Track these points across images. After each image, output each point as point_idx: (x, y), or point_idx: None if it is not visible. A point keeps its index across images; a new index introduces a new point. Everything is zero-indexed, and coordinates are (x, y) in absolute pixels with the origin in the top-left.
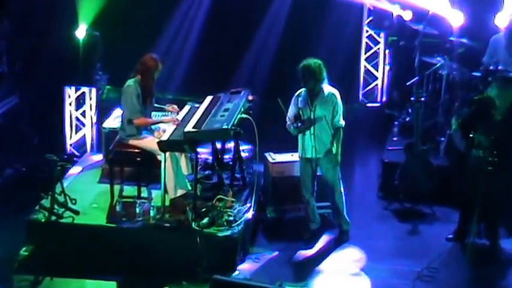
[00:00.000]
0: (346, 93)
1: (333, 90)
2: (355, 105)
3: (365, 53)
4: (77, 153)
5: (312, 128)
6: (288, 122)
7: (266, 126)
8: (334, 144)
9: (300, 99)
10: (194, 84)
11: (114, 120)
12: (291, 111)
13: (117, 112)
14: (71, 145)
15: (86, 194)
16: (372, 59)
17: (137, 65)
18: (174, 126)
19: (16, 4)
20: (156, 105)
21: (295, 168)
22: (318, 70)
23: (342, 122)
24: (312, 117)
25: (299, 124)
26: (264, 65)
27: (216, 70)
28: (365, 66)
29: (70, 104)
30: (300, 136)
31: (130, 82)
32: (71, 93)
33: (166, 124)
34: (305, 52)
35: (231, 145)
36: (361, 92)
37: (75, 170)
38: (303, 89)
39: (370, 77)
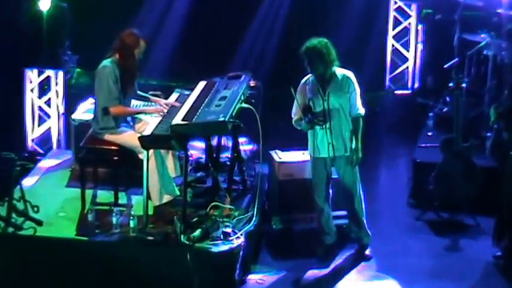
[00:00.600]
0: (369, 79)
1: (347, 72)
2: (381, 93)
3: (393, 29)
4: (40, 150)
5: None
6: (295, 117)
7: (272, 118)
8: (353, 139)
9: (308, 87)
10: (183, 68)
11: (85, 111)
12: (297, 104)
13: (90, 101)
14: (32, 140)
15: (51, 200)
16: (402, 36)
17: (115, 42)
18: (159, 118)
19: None
20: (139, 92)
21: (307, 170)
22: (326, 51)
23: (362, 110)
24: (326, 107)
25: (309, 117)
26: (269, 44)
27: (211, 50)
28: (393, 46)
29: (32, 91)
30: (310, 132)
31: (106, 62)
32: (32, 78)
33: (149, 115)
34: (317, 28)
35: (228, 141)
36: (388, 77)
37: (37, 171)
38: (310, 76)
39: (399, 58)
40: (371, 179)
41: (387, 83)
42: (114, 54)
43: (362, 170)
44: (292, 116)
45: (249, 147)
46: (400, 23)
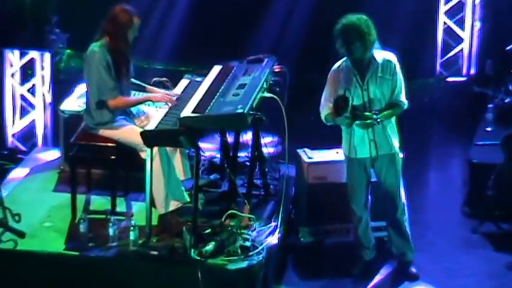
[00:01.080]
0: (416, 64)
1: (389, 55)
2: (430, 80)
3: (445, 4)
4: (22, 147)
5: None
6: (324, 111)
7: (300, 109)
8: (389, 131)
9: (342, 75)
10: (194, 49)
11: (77, 101)
12: (327, 95)
13: (82, 88)
14: (13, 136)
15: (35, 207)
16: (455, 12)
17: (104, 22)
18: (165, 109)
19: None
20: (133, 80)
21: (342, 172)
22: (367, 29)
23: (404, 100)
24: (366, 99)
25: (354, 112)
26: (297, 21)
27: (227, 27)
28: (445, 24)
29: (12, 76)
30: (346, 129)
31: (94, 47)
32: (13, 60)
33: (153, 105)
34: (353, 2)
35: (248, 137)
36: (438, 61)
37: (19, 172)
38: (343, 61)
39: (453, 38)
40: (418, 183)
41: (438, 68)
42: (103, 36)
43: (407, 173)
44: (321, 109)
45: (272, 144)
46: None
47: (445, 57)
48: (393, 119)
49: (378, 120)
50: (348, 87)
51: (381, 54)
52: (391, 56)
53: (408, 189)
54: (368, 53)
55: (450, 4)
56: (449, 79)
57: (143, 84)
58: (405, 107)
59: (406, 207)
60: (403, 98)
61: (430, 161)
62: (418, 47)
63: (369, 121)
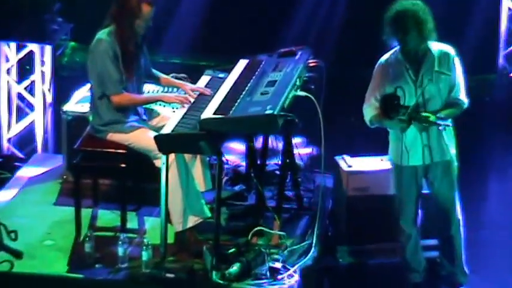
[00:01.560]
0: (475, 57)
1: (447, 47)
2: (491, 76)
3: None
4: (19, 154)
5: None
6: (370, 113)
7: (339, 110)
8: (445, 134)
9: (390, 70)
10: (216, 41)
11: (81, 100)
12: (372, 93)
13: (87, 87)
14: (9, 141)
15: (34, 223)
16: None
17: (112, 6)
18: (183, 110)
19: None
20: (154, 72)
21: (386, 183)
22: (423, 16)
23: (464, 98)
24: (421, 99)
25: (409, 112)
26: (334, 9)
27: (254, 16)
28: (510, 10)
29: (8, 72)
30: (393, 132)
31: (101, 34)
32: (9, 54)
33: (169, 106)
34: None
35: (278, 143)
36: (501, 54)
37: (16, 182)
38: (392, 53)
39: None
40: (475, 195)
41: (501, 61)
42: (111, 22)
43: (463, 184)
44: (364, 110)
45: (307, 150)
46: None
47: (510, 49)
48: (450, 121)
49: (443, 124)
50: (399, 84)
51: (437, 46)
52: (449, 48)
53: (464, 203)
54: (424, 44)
55: None
56: None
57: (168, 78)
58: (465, 106)
59: (461, 224)
60: (463, 95)
61: (490, 169)
62: (477, 37)
63: (431, 125)
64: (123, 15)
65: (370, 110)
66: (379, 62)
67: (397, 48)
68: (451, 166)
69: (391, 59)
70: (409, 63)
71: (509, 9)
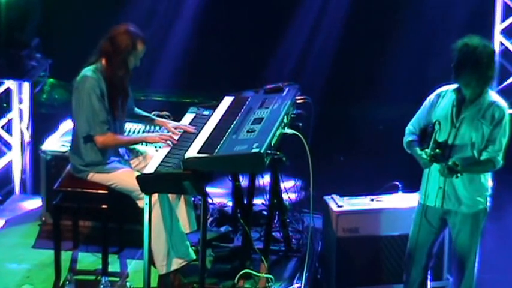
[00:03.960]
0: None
1: (500, 100)
2: None
3: (502, 22)
4: None
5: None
6: (408, 137)
7: (327, 149)
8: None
9: (439, 101)
10: (200, 77)
11: (61, 139)
12: (418, 118)
13: (67, 125)
14: None
15: (11, 267)
16: None
17: (102, 42)
18: (167, 149)
19: None
20: (137, 110)
21: (377, 223)
22: (487, 60)
23: (500, 159)
24: (452, 140)
25: (428, 147)
26: (324, 44)
27: (239, 52)
28: (502, 45)
29: None
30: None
31: (87, 71)
32: None
33: (152, 145)
34: (390, 21)
35: (265, 181)
36: (495, 90)
37: None
38: (450, 87)
39: None
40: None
41: None
42: (99, 59)
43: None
44: (406, 131)
45: (295, 189)
46: None
47: (503, 85)
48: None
49: (457, 172)
50: (439, 119)
51: (491, 96)
52: (503, 103)
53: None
54: (480, 88)
55: (508, 21)
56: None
57: (151, 116)
58: (498, 167)
59: (476, 268)
60: (500, 152)
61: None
62: None
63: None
64: (116, 51)
65: (409, 135)
66: (437, 91)
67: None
68: (469, 220)
69: (448, 92)
70: (457, 102)
71: (501, 44)
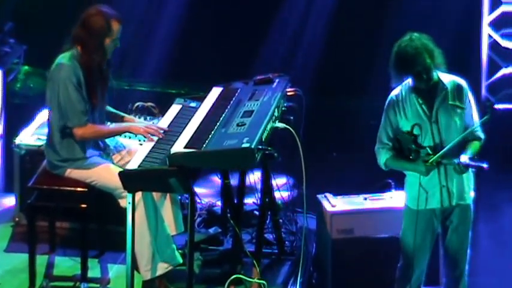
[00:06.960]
0: None
1: (459, 79)
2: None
3: (489, 13)
4: None
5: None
6: (384, 155)
7: (320, 144)
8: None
9: (401, 105)
10: (188, 67)
11: (36, 132)
12: (385, 132)
13: (43, 116)
14: None
15: None
16: (503, 23)
17: (75, 27)
18: (151, 143)
19: None
20: (108, 108)
21: (373, 223)
22: (431, 47)
23: (481, 131)
24: (438, 138)
25: (419, 156)
26: (312, 34)
27: (228, 41)
28: (490, 37)
29: None
30: (409, 174)
31: (62, 59)
32: None
33: (135, 139)
34: (380, 12)
35: (256, 178)
36: (483, 84)
37: None
38: (401, 87)
39: (501, 56)
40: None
41: (483, 92)
42: (74, 44)
43: None
44: (377, 152)
45: (287, 187)
46: (501, 3)
47: (492, 79)
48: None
49: (476, 166)
50: (414, 121)
51: (449, 78)
52: (462, 81)
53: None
54: (435, 74)
55: (496, 13)
56: (498, 106)
57: (121, 114)
58: (483, 137)
59: (466, 272)
60: (480, 129)
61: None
62: (456, 66)
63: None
64: (91, 35)
65: (384, 152)
66: (389, 98)
67: (407, 82)
68: (468, 212)
69: (404, 92)
70: (422, 98)
71: (489, 36)
